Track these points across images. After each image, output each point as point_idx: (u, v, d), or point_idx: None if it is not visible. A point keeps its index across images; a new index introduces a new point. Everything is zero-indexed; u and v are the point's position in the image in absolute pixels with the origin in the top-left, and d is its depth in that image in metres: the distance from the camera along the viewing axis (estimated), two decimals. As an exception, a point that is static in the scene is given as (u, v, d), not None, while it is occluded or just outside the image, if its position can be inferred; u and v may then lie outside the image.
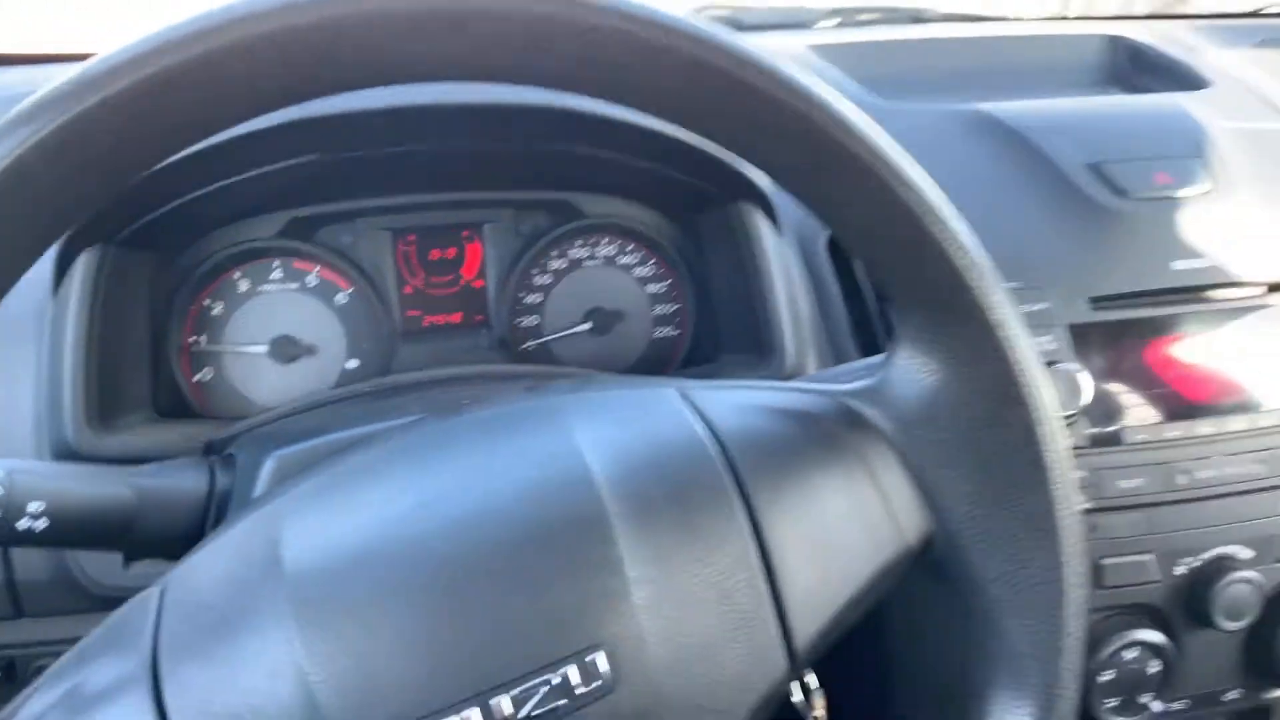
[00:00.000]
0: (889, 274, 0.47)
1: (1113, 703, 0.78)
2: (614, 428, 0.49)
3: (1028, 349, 0.47)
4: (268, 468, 0.61)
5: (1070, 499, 0.48)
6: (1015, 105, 0.91)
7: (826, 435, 0.49)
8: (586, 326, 0.92)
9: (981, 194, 0.83)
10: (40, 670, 0.76)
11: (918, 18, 1.32)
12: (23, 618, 0.75)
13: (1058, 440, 0.47)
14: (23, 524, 0.56)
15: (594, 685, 0.41)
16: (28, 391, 0.74)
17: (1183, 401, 0.79)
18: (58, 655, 0.77)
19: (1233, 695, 0.84)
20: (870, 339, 0.83)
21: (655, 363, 0.93)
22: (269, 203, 0.84)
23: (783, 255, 0.83)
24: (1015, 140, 0.86)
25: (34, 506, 0.56)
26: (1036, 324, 0.76)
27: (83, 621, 0.75)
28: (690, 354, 0.93)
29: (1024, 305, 0.76)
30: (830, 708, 0.61)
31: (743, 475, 0.47)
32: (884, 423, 0.50)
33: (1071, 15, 1.58)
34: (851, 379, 0.54)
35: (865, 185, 0.44)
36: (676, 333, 0.94)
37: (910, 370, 0.49)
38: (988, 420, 0.47)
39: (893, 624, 0.82)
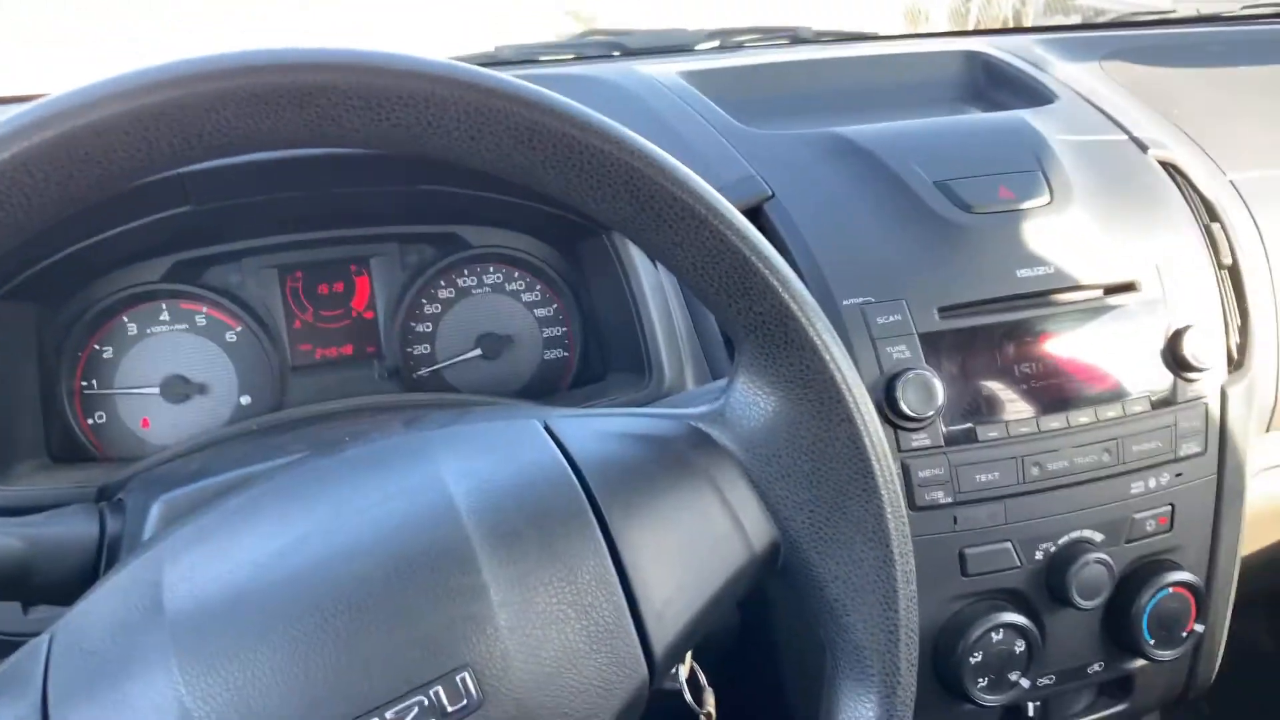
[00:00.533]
0: (723, 309, 0.52)
1: (983, 682, 0.84)
2: (477, 459, 0.53)
3: (850, 370, 0.52)
4: (155, 511, 0.62)
5: (896, 503, 0.53)
6: (870, 128, 0.96)
7: (676, 457, 0.54)
8: (477, 353, 0.95)
9: (838, 213, 0.89)
10: None
11: (794, 38, 1.38)
12: None
13: (882, 451, 0.52)
14: None
15: (462, 704, 0.45)
16: None
17: (1032, 399, 0.85)
18: None
19: (1095, 668, 0.90)
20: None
21: (546, 383, 0.97)
22: (152, 249, 0.85)
23: (657, 278, 0.87)
24: (869, 161, 0.92)
25: None
26: (890, 334, 0.81)
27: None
28: (580, 374, 0.97)
29: (878, 318, 0.82)
30: (728, 703, 0.65)
31: (598, 498, 0.51)
32: (729, 443, 0.54)
33: (935, 30, 1.66)
34: (700, 403, 0.59)
35: (694, 232, 0.49)
36: (565, 354, 0.97)
37: (749, 394, 0.54)
38: (819, 436, 0.52)
39: (775, 621, 0.86)
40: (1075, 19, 1.49)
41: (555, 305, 0.97)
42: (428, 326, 0.95)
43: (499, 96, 0.46)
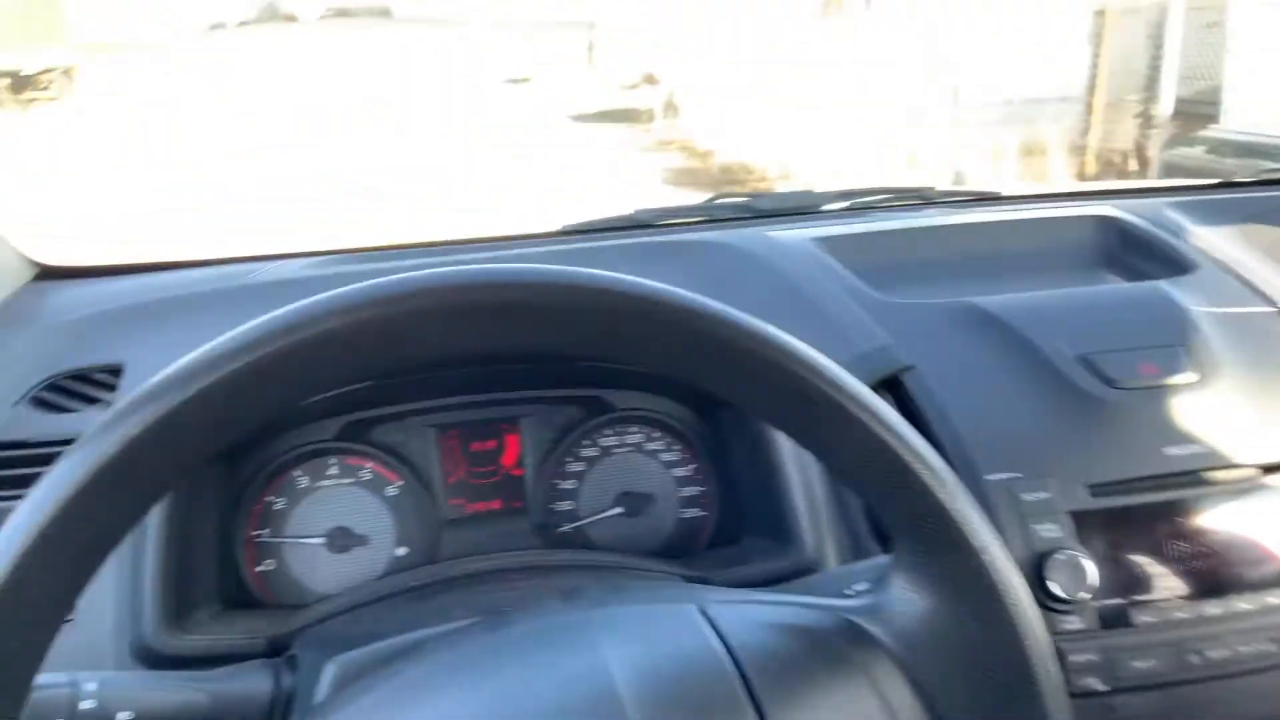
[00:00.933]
0: (880, 506, 0.54)
1: None
2: (640, 646, 0.55)
3: (1011, 573, 0.53)
4: (328, 673, 0.66)
5: (1062, 708, 0.52)
6: (1008, 299, 0.98)
7: (835, 653, 0.55)
8: (618, 510, 0.98)
9: (979, 385, 0.90)
10: None
11: (922, 199, 1.42)
12: None
13: (1046, 655, 0.52)
14: None
15: None
16: (108, 594, 0.80)
17: (1190, 582, 0.83)
18: None
19: None
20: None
21: (683, 542, 0.99)
22: (328, 412, 0.92)
23: (796, 448, 0.89)
24: (1008, 333, 0.93)
25: (122, 716, 0.62)
26: (1038, 512, 0.81)
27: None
28: (716, 533, 0.99)
29: (1025, 494, 0.82)
30: None
31: (758, 694, 0.52)
32: (887, 640, 0.55)
33: (1061, 190, 1.67)
34: (855, 588, 0.60)
35: (850, 432, 0.51)
36: (703, 514, 0.99)
37: (907, 590, 0.55)
38: (979, 638, 0.53)
39: None
40: (1209, 178, 1.49)
41: (693, 466, 1.00)
42: (572, 484, 0.99)
43: (669, 309, 0.51)
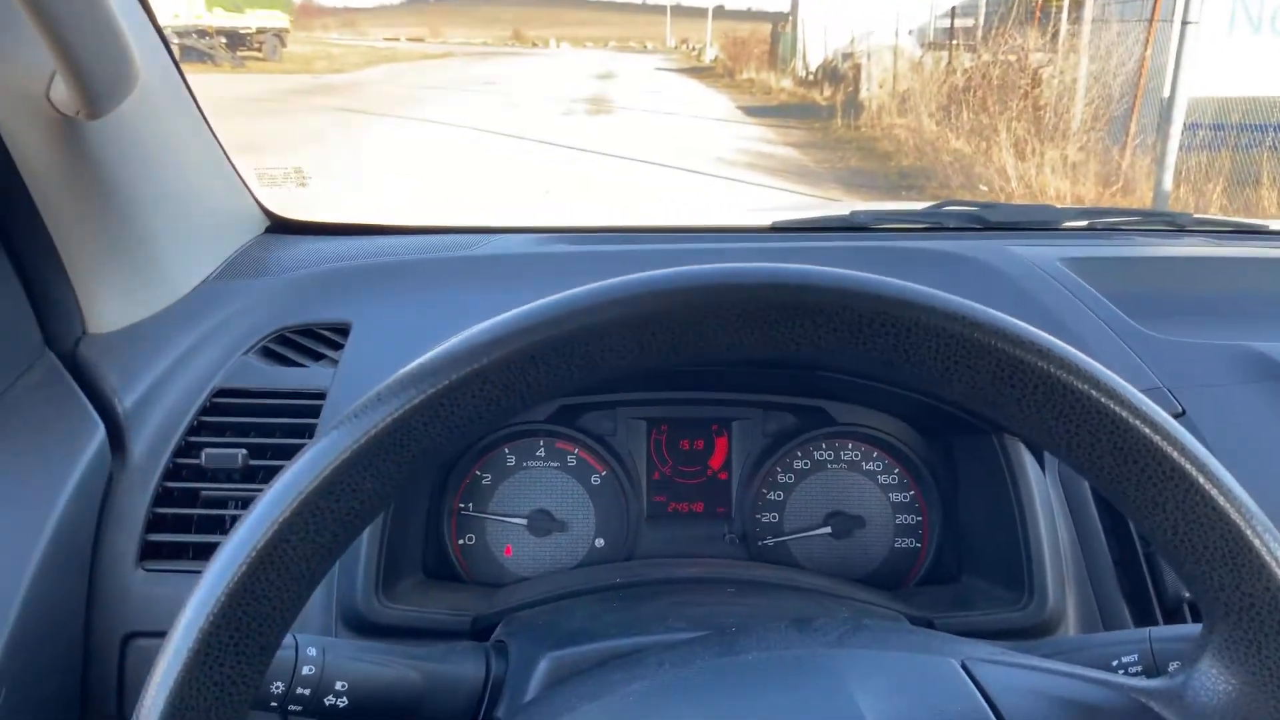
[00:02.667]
0: (1201, 581, 0.47)
1: None
2: (898, 698, 0.49)
3: None
4: (542, 668, 0.64)
5: None
6: None
7: None
8: (826, 530, 0.92)
9: (1259, 441, 0.80)
10: None
11: (1172, 224, 1.29)
12: None
13: None
14: (328, 700, 0.62)
15: None
16: None
17: None
18: None
19: None
20: (1135, 581, 0.79)
21: (893, 573, 0.92)
22: None
23: (1045, 489, 0.81)
24: None
25: (340, 685, 0.62)
26: None
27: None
28: (930, 569, 0.92)
29: None
30: None
31: None
32: None
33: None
34: (1124, 660, 0.53)
35: (1182, 495, 0.44)
36: (917, 545, 0.93)
37: (1219, 679, 0.48)
38: None
39: None
40: None
41: (913, 492, 0.93)
42: (779, 495, 0.94)
43: (984, 331, 0.45)
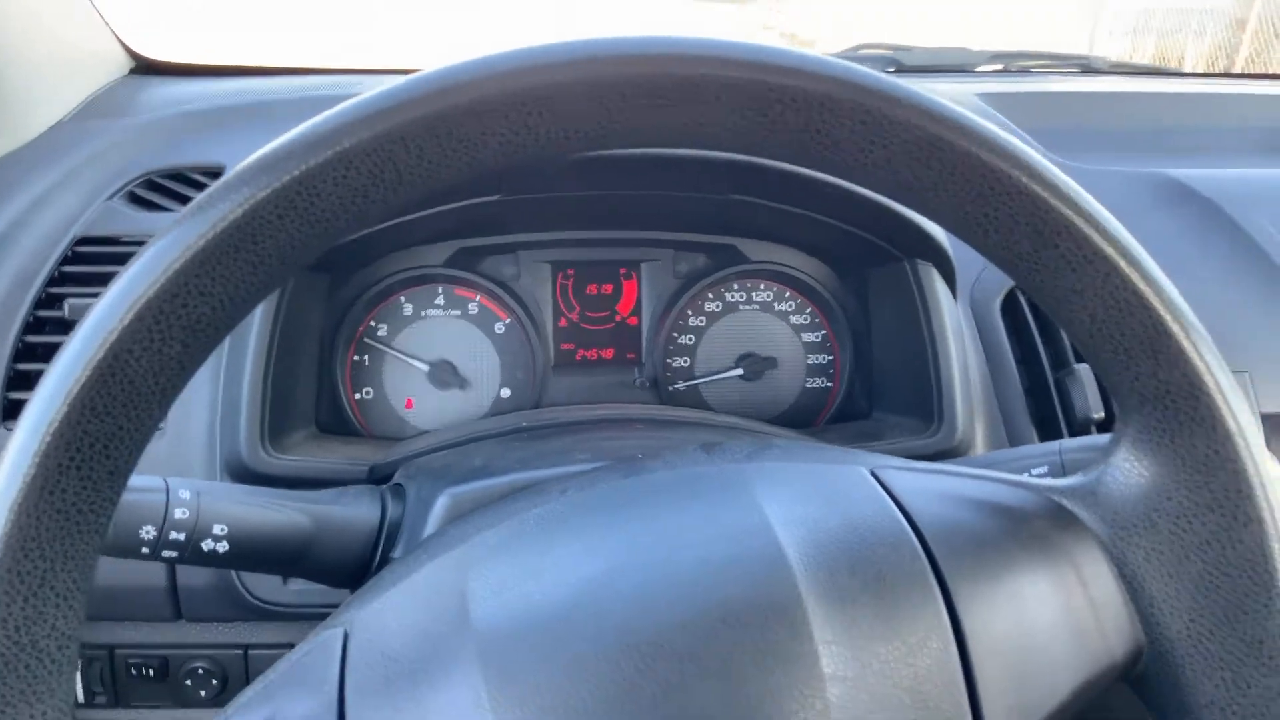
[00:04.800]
0: (1119, 371, 0.45)
1: None
2: (805, 506, 0.47)
3: (1267, 463, 0.44)
4: (440, 504, 0.61)
5: None
6: (1208, 173, 0.86)
7: (1035, 535, 0.47)
8: (738, 372, 0.90)
9: (1172, 266, 0.79)
10: (193, 672, 0.79)
11: (1086, 67, 1.27)
12: (180, 620, 0.77)
13: None
14: (206, 545, 0.57)
15: None
16: (203, 407, 0.76)
17: None
18: (210, 658, 0.79)
19: None
20: (1044, 407, 0.79)
21: (805, 413, 0.91)
22: (440, 234, 0.85)
23: (957, 318, 0.80)
24: (1209, 210, 0.82)
25: (218, 529, 0.58)
26: None
27: (236, 629, 0.78)
28: (841, 408, 0.91)
29: None
30: None
31: (945, 572, 0.45)
32: (1098, 526, 0.47)
33: (1242, 70, 1.50)
34: (1036, 472, 0.52)
35: (1102, 280, 0.42)
36: (829, 385, 0.91)
37: (1131, 473, 0.46)
38: (1216, 535, 0.44)
39: None
40: None
41: (824, 331, 0.91)
42: (690, 339, 0.91)
43: (901, 106, 0.41)
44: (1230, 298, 0.77)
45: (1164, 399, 0.44)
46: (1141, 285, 0.42)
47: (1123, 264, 0.42)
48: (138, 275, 0.39)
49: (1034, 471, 0.60)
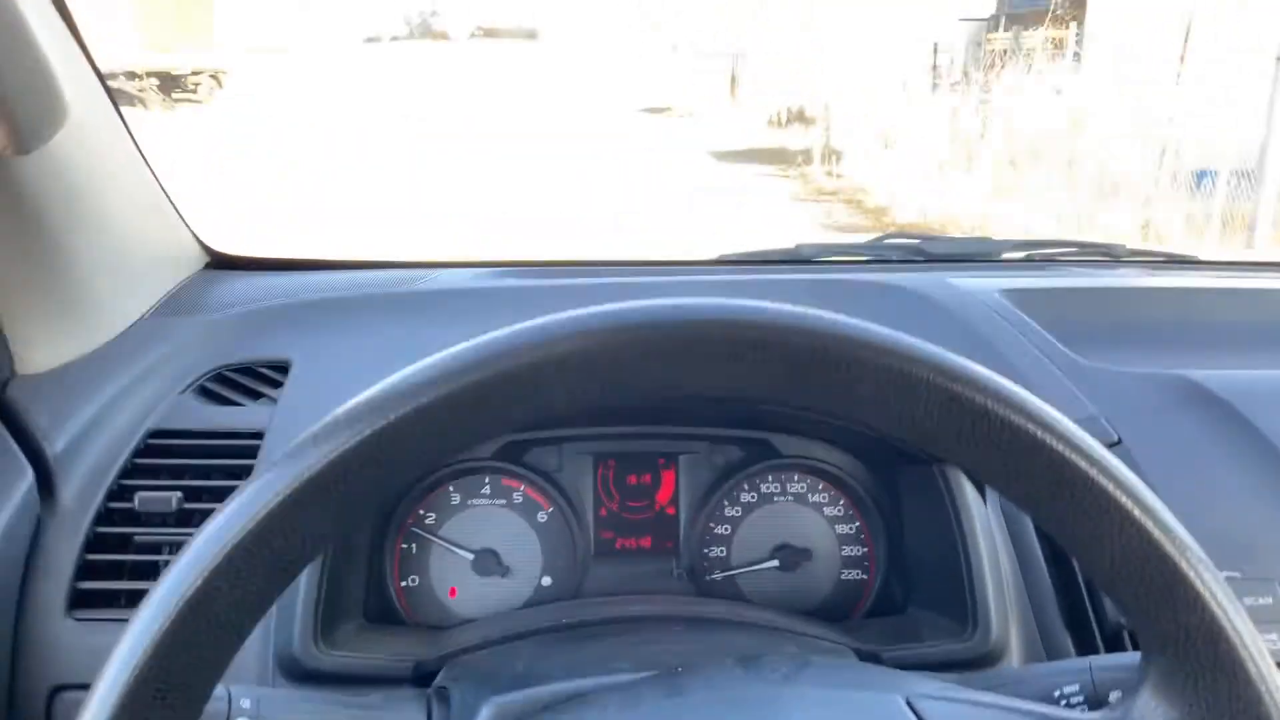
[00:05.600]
0: (1139, 614, 0.47)
1: None
2: None
3: None
4: (485, 716, 0.63)
5: None
6: (1226, 375, 0.89)
7: None
8: (774, 563, 0.92)
9: (1195, 470, 0.81)
10: None
11: (1108, 255, 1.32)
12: None
13: None
14: None
15: None
16: None
17: None
18: None
19: None
20: (1076, 609, 0.80)
21: (840, 605, 0.92)
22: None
23: (987, 518, 0.82)
24: (1229, 414, 0.84)
25: None
26: (1262, 620, 0.72)
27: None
28: (877, 601, 0.92)
29: (1247, 598, 0.73)
30: None
31: None
32: None
33: (1263, 259, 1.54)
34: (1065, 690, 0.53)
35: (1116, 526, 0.45)
36: (864, 577, 0.93)
37: (1157, 712, 0.48)
38: None
39: None
40: None
41: (858, 524, 0.93)
42: (726, 529, 0.94)
43: (921, 365, 0.45)
44: (1253, 502, 0.78)
45: (1184, 643, 0.46)
46: (1157, 534, 0.45)
47: (1137, 513, 0.45)
48: (231, 517, 0.43)
49: (1065, 689, 0.60)
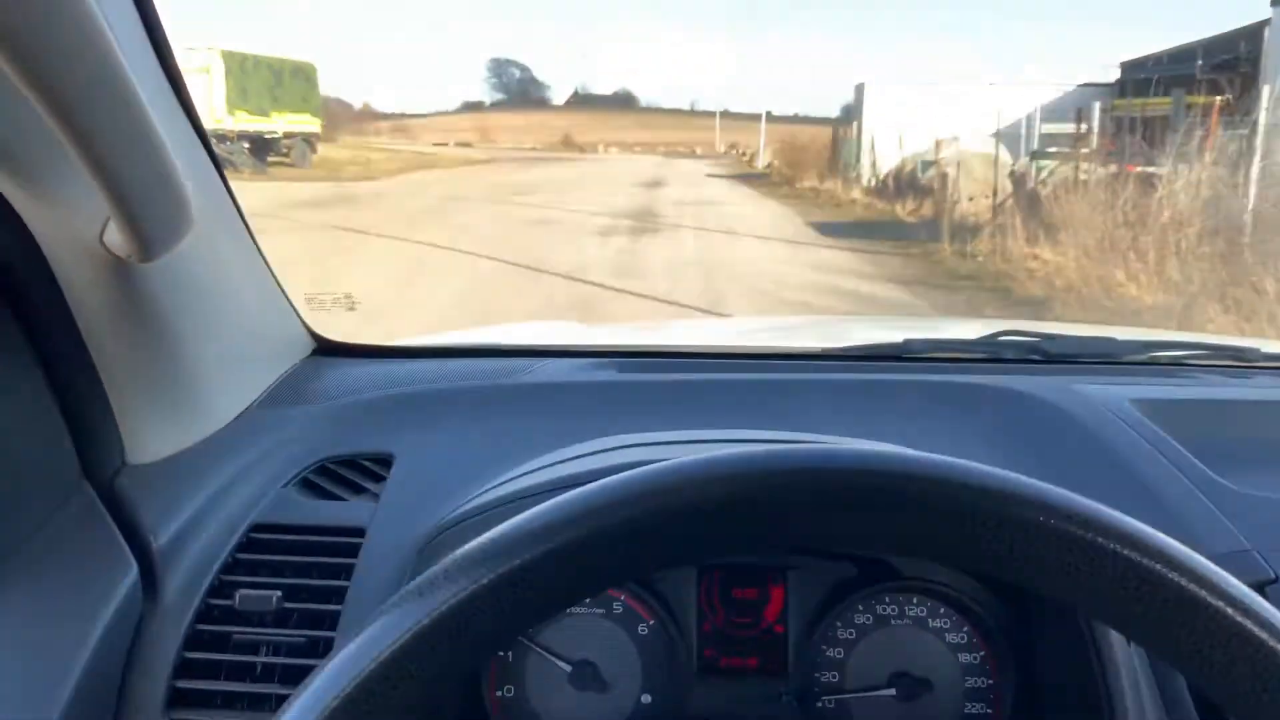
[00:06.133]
0: None
1: None
2: None
3: None
4: None
5: None
6: None
7: None
8: (890, 692, 0.86)
9: None
10: None
11: (1240, 359, 1.25)
12: None
13: None
14: None
15: None
16: None
17: None
18: None
19: None
20: None
21: None
22: None
23: (1130, 657, 0.75)
24: None
25: None
26: None
27: None
28: None
29: None
30: None
31: None
32: None
33: None
34: None
35: (1260, 665, 0.42)
36: (989, 711, 0.86)
37: None
38: None
39: None
40: None
41: (983, 653, 0.87)
42: (839, 653, 0.88)
43: (1113, 536, 0.42)
44: None
45: None
46: None
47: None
48: (357, 653, 0.41)
49: None
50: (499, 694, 0.88)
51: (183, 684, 0.82)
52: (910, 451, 0.45)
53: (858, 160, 17.90)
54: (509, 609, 0.42)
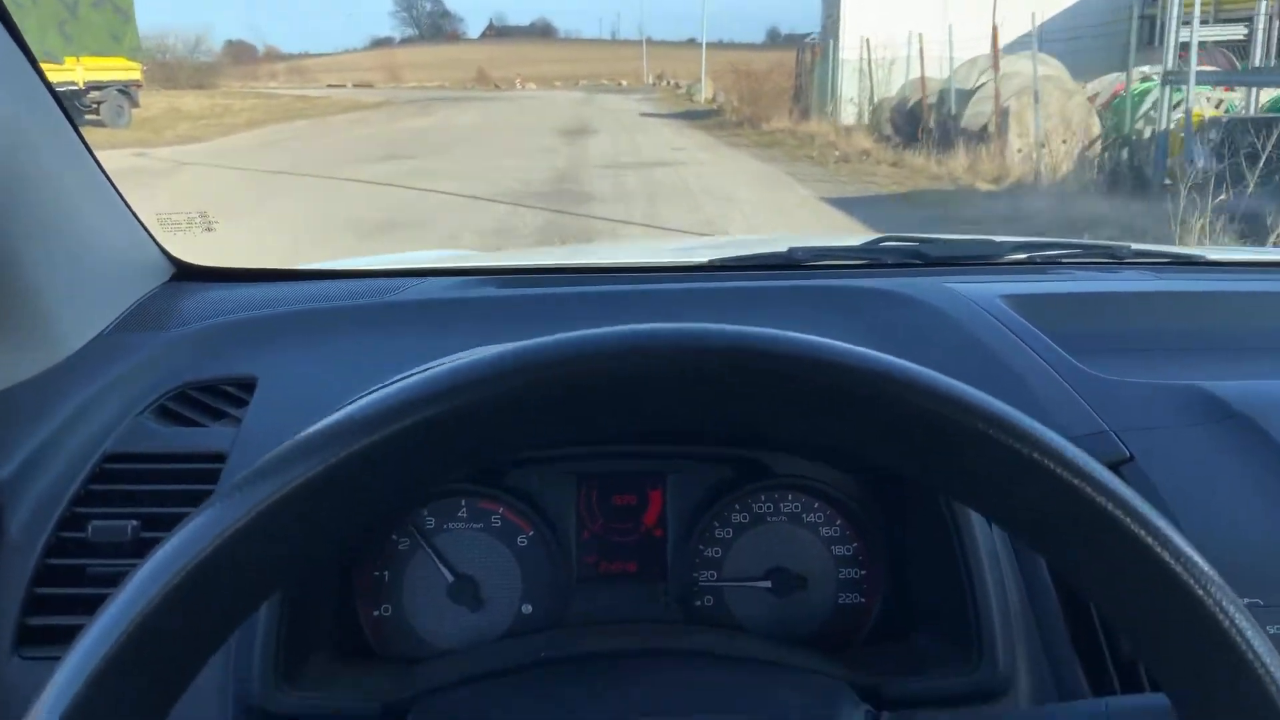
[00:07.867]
0: (1160, 658, 0.43)
1: None
2: None
3: None
4: None
5: None
6: (1240, 385, 0.84)
7: None
8: (766, 584, 0.87)
9: (1213, 488, 0.77)
10: None
11: (1111, 256, 1.28)
12: None
13: None
14: None
15: None
16: None
17: None
18: None
19: None
20: (1088, 638, 0.76)
21: (838, 632, 0.87)
22: None
23: (992, 541, 0.77)
24: (1247, 428, 0.79)
25: None
26: None
27: None
28: (877, 625, 0.87)
29: (1270, 625, 0.68)
30: None
31: None
32: None
33: (1270, 259, 1.50)
34: None
35: (1127, 553, 0.42)
36: (862, 601, 0.88)
37: None
38: None
39: None
40: None
41: (856, 545, 0.89)
42: (717, 552, 0.89)
43: (996, 425, 0.42)
44: (1268, 522, 0.74)
45: (1209, 685, 0.42)
46: (1171, 562, 0.42)
47: (1148, 540, 0.42)
48: (174, 552, 0.40)
49: None
50: (376, 614, 0.86)
51: (34, 621, 0.78)
52: (774, 330, 0.43)
53: (834, 91, 13.72)
54: (336, 501, 0.41)
